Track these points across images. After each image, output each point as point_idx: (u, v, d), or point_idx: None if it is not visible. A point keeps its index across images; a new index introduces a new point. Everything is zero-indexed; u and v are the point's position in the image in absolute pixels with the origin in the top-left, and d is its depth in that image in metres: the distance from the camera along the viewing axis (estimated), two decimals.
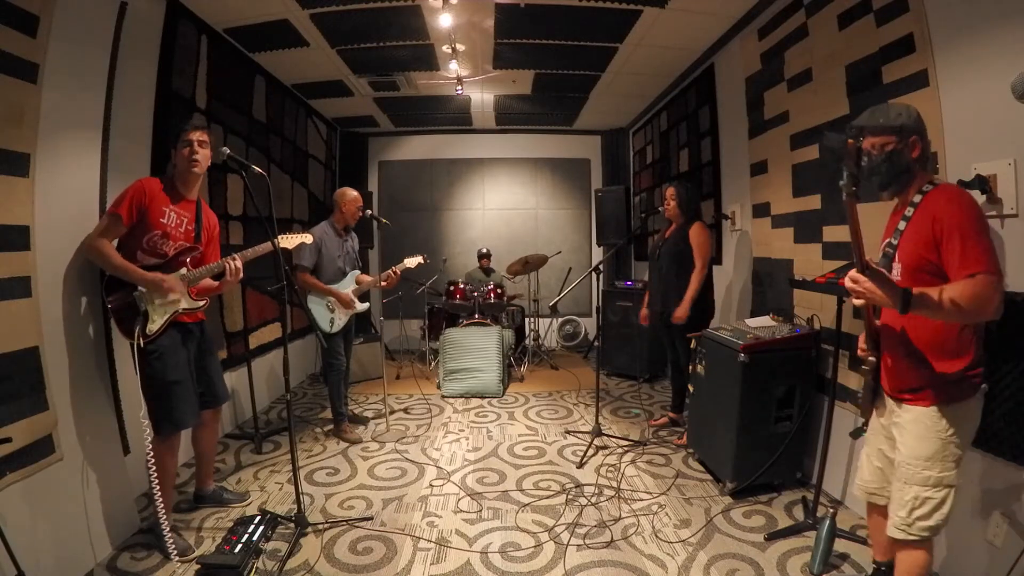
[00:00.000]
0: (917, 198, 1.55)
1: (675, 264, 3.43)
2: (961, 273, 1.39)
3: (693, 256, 3.39)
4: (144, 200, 2.15)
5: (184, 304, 2.28)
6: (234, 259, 2.34)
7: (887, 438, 1.70)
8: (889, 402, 1.68)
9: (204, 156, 2.29)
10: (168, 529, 2.07)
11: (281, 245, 2.60)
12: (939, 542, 2.02)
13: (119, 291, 2.14)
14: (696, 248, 3.38)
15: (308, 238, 2.87)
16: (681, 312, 3.34)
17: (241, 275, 2.37)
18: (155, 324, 2.18)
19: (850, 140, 1.45)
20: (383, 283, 3.60)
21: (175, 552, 2.09)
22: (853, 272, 1.48)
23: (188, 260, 2.28)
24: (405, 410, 4.23)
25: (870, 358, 1.69)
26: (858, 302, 1.52)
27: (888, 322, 1.66)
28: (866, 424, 1.80)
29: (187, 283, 2.28)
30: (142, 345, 2.12)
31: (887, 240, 1.65)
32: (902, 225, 1.57)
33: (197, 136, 2.26)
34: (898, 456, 1.60)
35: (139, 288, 2.14)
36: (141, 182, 2.18)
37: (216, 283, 2.40)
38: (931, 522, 1.52)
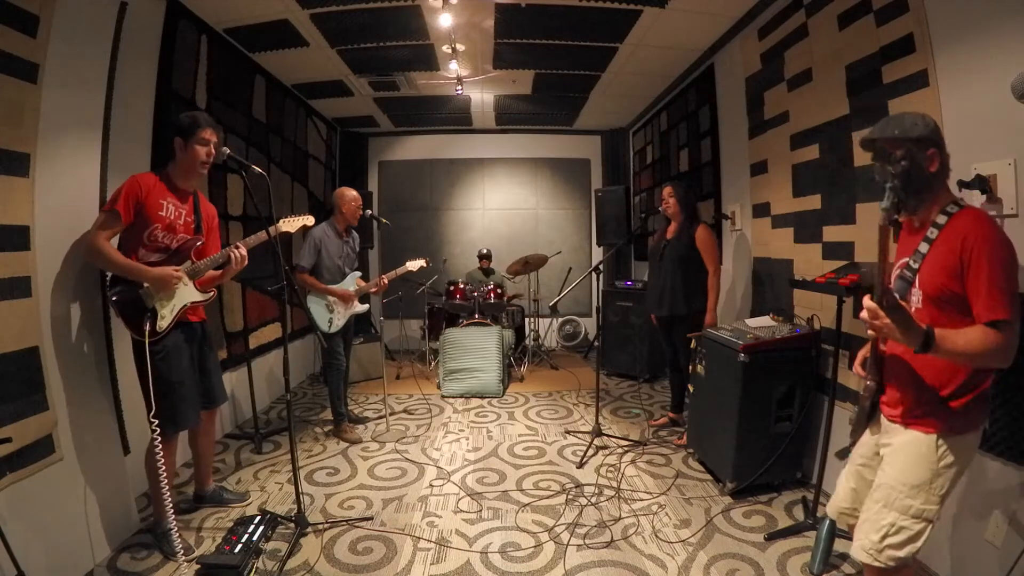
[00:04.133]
0: (941, 219, 1.41)
1: (681, 267, 3.42)
2: (984, 316, 1.30)
3: (700, 259, 3.39)
4: (140, 195, 2.12)
5: (192, 297, 2.27)
6: (238, 247, 2.34)
7: (870, 459, 1.61)
8: (884, 423, 1.58)
9: (212, 156, 2.29)
10: (176, 529, 2.07)
11: (283, 229, 2.59)
12: (939, 542, 2.02)
13: (123, 286, 2.12)
14: (706, 253, 3.37)
15: (310, 220, 2.80)
16: (709, 319, 3.34)
17: (246, 262, 2.37)
18: (165, 320, 2.17)
19: (898, 151, 1.35)
20: (372, 290, 3.60)
21: (182, 551, 2.08)
22: (870, 303, 1.34)
23: (191, 252, 2.27)
24: (405, 410, 4.23)
25: (869, 383, 1.59)
26: (871, 333, 1.41)
27: (897, 350, 1.54)
28: (853, 445, 1.72)
29: (193, 276, 2.27)
30: (151, 342, 2.10)
31: (904, 260, 1.50)
32: (924, 248, 1.44)
33: (213, 136, 2.26)
34: (882, 476, 1.50)
35: (144, 285, 2.12)
36: (135, 177, 2.15)
37: (218, 272, 2.40)
38: (901, 553, 1.42)
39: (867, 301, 1.35)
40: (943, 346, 1.30)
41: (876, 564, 1.46)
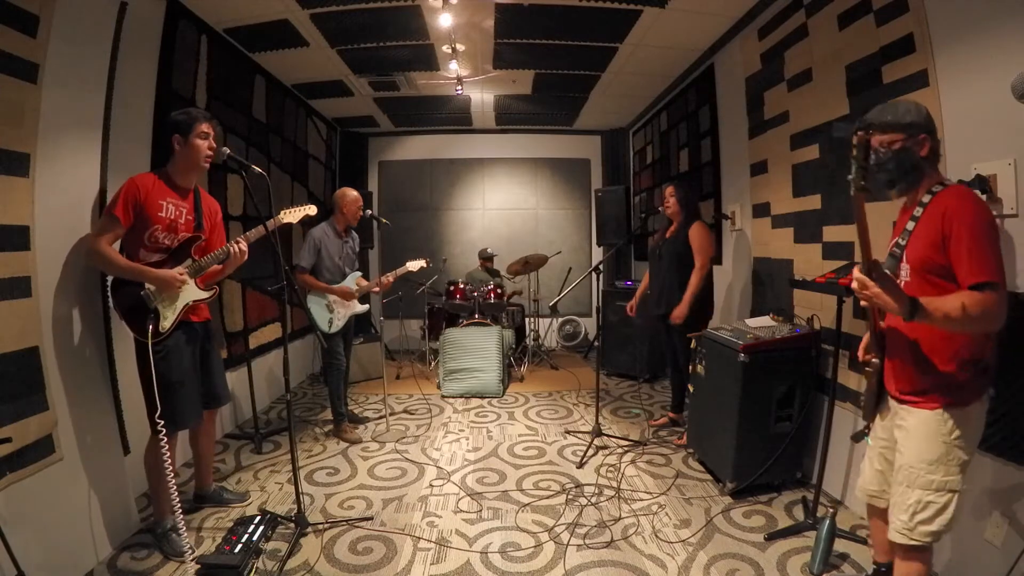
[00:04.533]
0: (926, 198, 1.52)
1: (677, 264, 3.43)
2: (968, 281, 1.37)
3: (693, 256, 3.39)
4: (139, 196, 2.12)
5: (194, 295, 2.27)
6: (239, 242, 2.33)
7: (888, 440, 1.67)
8: (892, 404, 1.65)
9: (214, 149, 2.27)
10: (183, 526, 2.06)
11: (284, 220, 2.58)
12: (939, 542, 2.02)
13: (125, 290, 2.11)
14: (696, 248, 3.38)
15: (312, 209, 2.75)
16: (680, 311, 3.34)
17: (246, 257, 2.36)
18: (167, 321, 2.17)
19: (860, 132, 1.40)
20: (375, 289, 3.60)
21: (189, 548, 2.07)
22: (859, 274, 1.43)
23: (192, 250, 2.26)
24: (405, 410, 4.23)
25: (874, 360, 1.66)
26: (863, 303, 1.50)
27: (895, 324, 1.61)
28: (868, 427, 1.77)
29: (195, 273, 2.26)
30: (154, 343, 2.09)
31: (895, 240, 1.61)
32: (911, 225, 1.54)
33: (211, 129, 2.25)
34: (900, 459, 1.56)
35: (146, 286, 2.12)
36: (133, 179, 2.14)
37: (219, 267, 2.39)
38: (933, 527, 1.49)
39: (856, 273, 1.44)
40: (929, 310, 1.36)
41: (912, 542, 1.52)
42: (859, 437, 1.81)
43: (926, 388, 1.52)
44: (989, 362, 1.50)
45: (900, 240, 1.57)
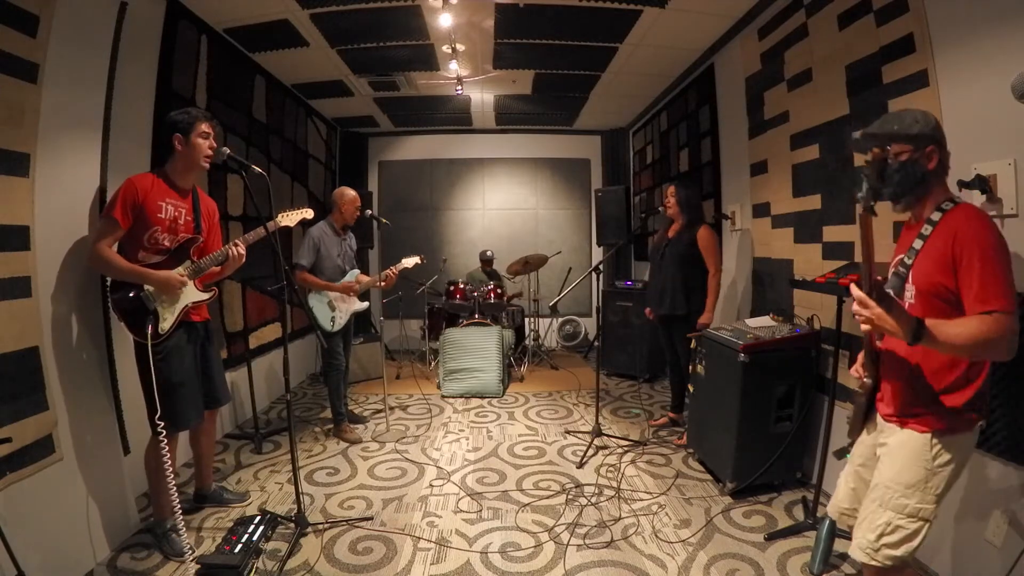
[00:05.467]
0: (936, 215, 1.41)
1: (681, 266, 3.43)
2: (977, 307, 1.27)
3: (700, 259, 3.40)
4: (138, 198, 2.10)
5: (194, 297, 2.27)
6: (236, 245, 2.32)
7: (867, 460, 1.60)
8: (880, 422, 1.57)
9: (214, 148, 2.25)
10: (182, 526, 2.06)
11: (282, 223, 2.57)
12: (939, 542, 2.02)
13: (124, 291, 2.11)
14: (707, 253, 3.39)
15: (309, 212, 2.74)
16: (706, 318, 3.36)
17: (244, 260, 2.36)
18: (167, 322, 2.16)
19: (876, 149, 1.34)
20: (381, 283, 3.59)
21: (189, 549, 2.07)
22: (860, 294, 1.32)
23: (191, 251, 2.25)
24: (405, 410, 4.23)
25: (866, 380, 1.59)
26: (864, 327, 1.35)
27: (892, 346, 1.53)
28: (851, 445, 1.71)
29: (194, 275, 2.26)
30: (154, 345, 2.09)
31: (899, 257, 1.51)
32: (918, 244, 1.44)
33: (211, 128, 2.24)
34: (877, 475, 1.49)
35: (145, 287, 2.12)
36: (131, 180, 2.13)
37: (218, 268, 2.39)
38: (898, 552, 1.41)
39: (856, 291, 1.33)
40: (935, 335, 1.26)
41: (873, 563, 1.45)
42: (841, 454, 1.74)
43: (919, 412, 1.44)
44: (985, 391, 1.41)
45: (906, 259, 1.47)
